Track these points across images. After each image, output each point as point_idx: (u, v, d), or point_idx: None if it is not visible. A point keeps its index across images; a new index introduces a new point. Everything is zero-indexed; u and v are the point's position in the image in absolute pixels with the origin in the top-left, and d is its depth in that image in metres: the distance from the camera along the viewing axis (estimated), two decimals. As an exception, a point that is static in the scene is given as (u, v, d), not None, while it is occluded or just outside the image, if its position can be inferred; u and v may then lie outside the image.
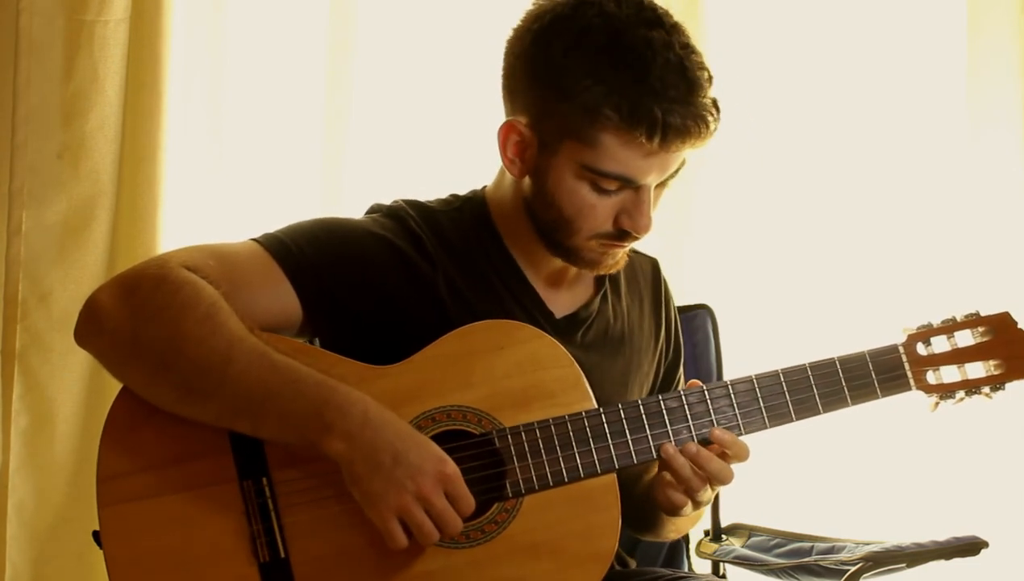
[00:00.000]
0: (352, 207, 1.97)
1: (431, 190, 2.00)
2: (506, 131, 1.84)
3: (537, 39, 1.80)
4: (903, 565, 1.94)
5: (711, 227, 2.85)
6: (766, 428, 1.83)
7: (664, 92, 1.72)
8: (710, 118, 1.76)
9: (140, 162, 2.77)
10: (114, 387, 1.75)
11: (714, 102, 1.77)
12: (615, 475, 1.77)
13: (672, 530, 2.02)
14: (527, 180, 1.84)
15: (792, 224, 2.91)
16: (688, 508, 1.81)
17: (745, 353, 2.50)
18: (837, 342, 1.88)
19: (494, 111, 2.79)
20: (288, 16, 2.87)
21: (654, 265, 2.10)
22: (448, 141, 2.88)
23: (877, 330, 1.87)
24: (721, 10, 2.87)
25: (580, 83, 1.74)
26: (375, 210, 1.94)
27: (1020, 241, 2.87)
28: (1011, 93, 2.86)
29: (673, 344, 2.09)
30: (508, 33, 1.86)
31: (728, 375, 2.36)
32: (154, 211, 2.77)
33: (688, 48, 1.77)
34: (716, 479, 1.78)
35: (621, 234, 1.82)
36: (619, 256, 1.87)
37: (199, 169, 2.85)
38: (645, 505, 1.92)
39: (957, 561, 1.95)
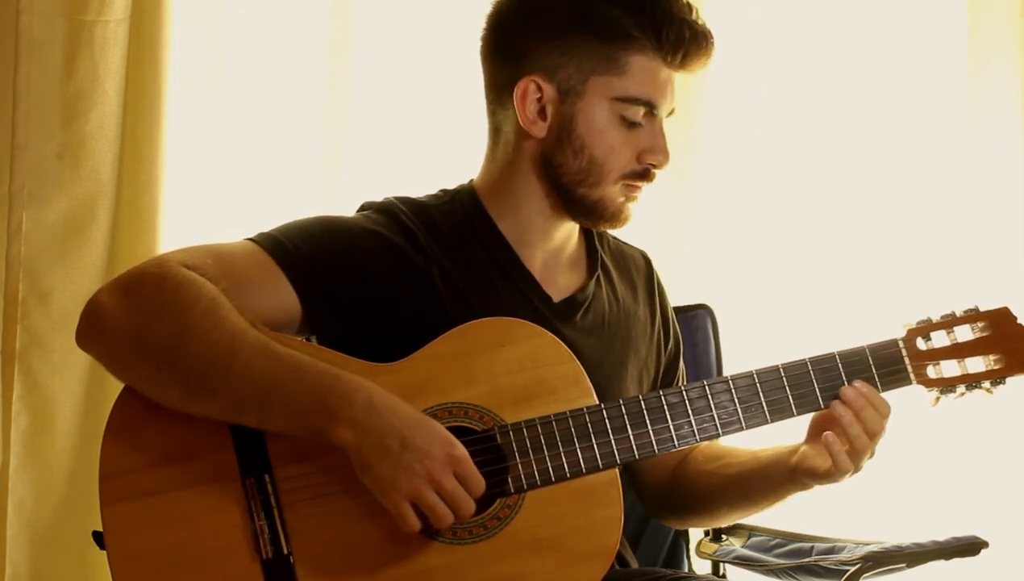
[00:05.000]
0: (352, 207, 1.98)
1: (431, 189, 2.01)
2: (524, 90, 1.87)
3: None
4: (903, 565, 1.94)
5: (711, 227, 2.85)
6: (767, 423, 1.83)
7: (679, 13, 1.85)
8: (711, 35, 1.88)
9: (140, 162, 2.77)
10: (115, 387, 1.75)
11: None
12: (617, 471, 1.77)
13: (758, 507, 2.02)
14: (549, 138, 1.87)
15: (792, 223, 2.92)
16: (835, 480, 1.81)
17: (745, 353, 2.49)
18: (837, 341, 1.88)
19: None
20: (288, 16, 2.87)
21: (645, 257, 2.13)
22: (448, 141, 2.87)
23: (877, 329, 1.88)
24: (721, 9, 2.87)
25: (606, 14, 1.84)
26: (366, 207, 1.95)
27: (1020, 239, 2.87)
28: (1011, 92, 2.87)
29: (672, 336, 2.11)
30: (484, 21, 1.93)
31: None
32: (154, 211, 2.77)
33: None
34: (868, 425, 1.79)
35: (645, 171, 1.88)
36: (634, 205, 1.93)
37: (199, 169, 2.85)
38: (737, 485, 1.94)
39: (957, 561, 1.95)
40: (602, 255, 2.03)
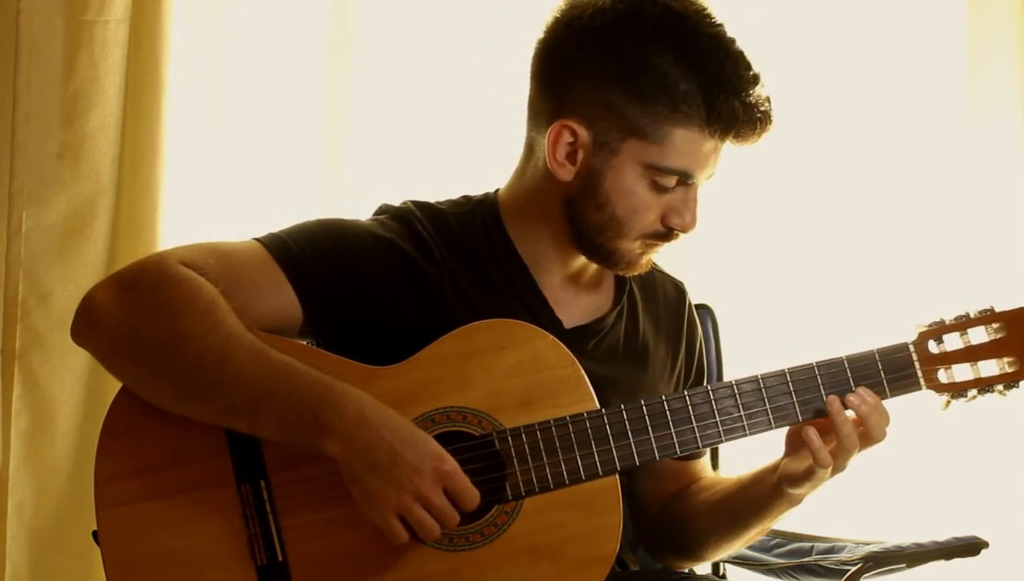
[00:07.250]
0: (352, 207, 1.97)
1: (430, 190, 2.00)
2: (557, 133, 1.80)
3: (603, 39, 1.77)
4: (903, 565, 1.94)
5: (711, 227, 2.83)
6: (771, 429, 1.80)
7: (741, 88, 1.75)
8: (771, 109, 1.78)
9: (140, 162, 2.77)
10: (114, 387, 1.74)
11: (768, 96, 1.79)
12: (616, 477, 1.75)
13: (757, 532, 1.95)
14: (575, 182, 1.81)
15: (793, 223, 2.92)
16: (818, 479, 1.76)
17: (745, 353, 2.49)
18: (837, 341, 1.87)
19: (493, 111, 2.82)
20: (288, 16, 2.87)
21: (679, 288, 2.07)
22: (448, 142, 2.88)
23: (877, 329, 1.88)
24: (721, 8, 2.86)
25: (657, 81, 1.75)
26: (383, 211, 1.92)
27: (1020, 238, 2.87)
28: (1011, 91, 2.87)
29: (695, 369, 2.06)
30: (540, 35, 1.84)
31: (728, 375, 2.36)
32: (154, 211, 2.77)
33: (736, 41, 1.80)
34: (872, 432, 1.75)
35: (668, 232, 1.83)
36: (652, 256, 1.88)
37: (199, 169, 2.85)
38: (729, 510, 1.90)
39: (957, 561, 1.95)
40: (631, 283, 1.98)
